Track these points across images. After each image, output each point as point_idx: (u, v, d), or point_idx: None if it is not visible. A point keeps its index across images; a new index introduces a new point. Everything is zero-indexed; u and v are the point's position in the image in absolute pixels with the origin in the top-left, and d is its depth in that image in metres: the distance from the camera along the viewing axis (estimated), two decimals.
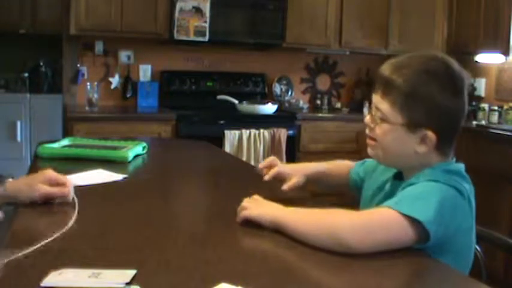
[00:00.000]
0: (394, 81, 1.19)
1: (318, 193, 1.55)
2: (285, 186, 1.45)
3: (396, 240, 1.07)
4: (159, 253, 1.04)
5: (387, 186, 1.33)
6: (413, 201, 1.10)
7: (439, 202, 1.10)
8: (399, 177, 1.30)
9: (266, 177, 1.48)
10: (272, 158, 1.53)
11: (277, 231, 1.14)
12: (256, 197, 1.25)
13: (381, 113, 1.21)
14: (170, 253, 1.05)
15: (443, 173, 1.18)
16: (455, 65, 1.21)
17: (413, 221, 1.07)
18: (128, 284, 0.85)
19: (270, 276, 0.98)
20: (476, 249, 1.42)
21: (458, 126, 1.22)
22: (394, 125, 1.20)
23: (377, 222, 1.08)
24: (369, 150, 1.30)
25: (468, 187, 1.19)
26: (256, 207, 1.20)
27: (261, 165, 1.53)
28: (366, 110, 1.32)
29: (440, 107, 1.17)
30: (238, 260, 1.06)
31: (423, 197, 1.11)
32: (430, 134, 1.18)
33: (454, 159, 1.26)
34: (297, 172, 1.48)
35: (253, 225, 1.16)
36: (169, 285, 0.90)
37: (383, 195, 1.31)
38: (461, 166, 1.24)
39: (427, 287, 1.04)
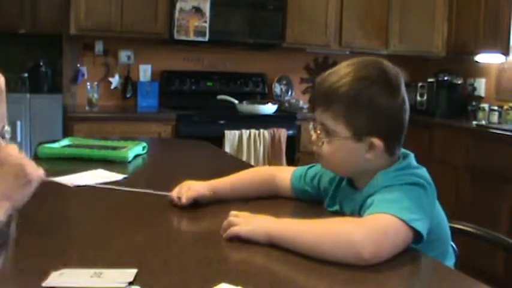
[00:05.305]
0: (333, 92, 1.18)
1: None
2: (183, 199, 1.32)
3: (401, 248, 1.06)
4: (159, 253, 1.04)
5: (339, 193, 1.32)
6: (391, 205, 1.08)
7: (412, 201, 1.09)
8: (350, 184, 1.30)
9: (184, 201, 1.33)
10: (184, 184, 1.38)
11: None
12: (244, 213, 1.16)
13: (327, 129, 1.21)
14: (170, 253, 1.05)
15: (395, 175, 1.17)
16: (389, 65, 1.21)
17: (409, 225, 1.05)
18: (130, 283, 0.85)
19: (270, 276, 0.98)
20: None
21: (402, 125, 1.21)
22: (341, 139, 1.19)
23: (387, 231, 1.04)
24: (321, 165, 1.30)
25: (421, 171, 1.19)
26: (246, 222, 1.11)
27: (173, 193, 1.37)
28: (311, 127, 1.28)
29: (380, 111, 1.17)
30: (238, 260, 1.06)
31: (396, 201, 1.09)
32: (377, 141, 1.18)
33: (401, 155, 1.24)
34: (203, 187, 1.38)
35: (244, 240, 1.08)
36: (169, 285, 0.89)
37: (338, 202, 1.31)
38: (409, 159, 1.22)
39: (426, 286, 1.04)
